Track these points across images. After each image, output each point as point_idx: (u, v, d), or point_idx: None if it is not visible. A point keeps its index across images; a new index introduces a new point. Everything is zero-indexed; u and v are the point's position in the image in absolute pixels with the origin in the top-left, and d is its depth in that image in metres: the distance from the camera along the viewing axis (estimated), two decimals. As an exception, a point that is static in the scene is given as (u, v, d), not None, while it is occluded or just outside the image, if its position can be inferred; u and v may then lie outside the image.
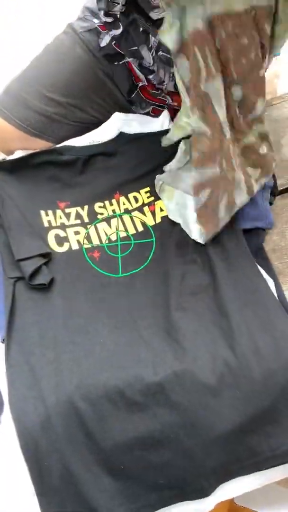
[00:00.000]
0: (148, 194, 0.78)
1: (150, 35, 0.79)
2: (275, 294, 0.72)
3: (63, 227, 0.76)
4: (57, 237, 0.74)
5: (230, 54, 0.64)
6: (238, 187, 0.73)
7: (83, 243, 0.74)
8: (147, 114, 0.94)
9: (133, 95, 0.91)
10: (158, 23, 0.75)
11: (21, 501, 0.62)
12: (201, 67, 0.62)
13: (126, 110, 0.93)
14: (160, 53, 0.81)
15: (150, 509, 0.63)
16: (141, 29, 0.79)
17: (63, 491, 0.60)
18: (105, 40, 0.87)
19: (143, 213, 0.77)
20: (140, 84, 0.89)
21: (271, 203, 0.86)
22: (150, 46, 0.81)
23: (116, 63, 0.88)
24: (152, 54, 0.82)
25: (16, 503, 0.62)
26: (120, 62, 0.88)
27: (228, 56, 0.64)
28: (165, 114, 0.88)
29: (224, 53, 0.63)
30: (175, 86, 0.82)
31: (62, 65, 0.88)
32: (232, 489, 0.64)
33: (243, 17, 0.63)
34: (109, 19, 0.83)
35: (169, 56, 0.79)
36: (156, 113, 0.92)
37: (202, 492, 0.63)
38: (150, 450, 0.61)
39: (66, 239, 0.74)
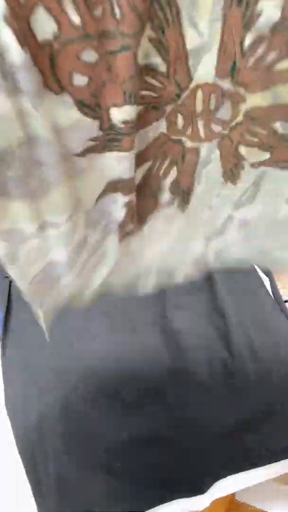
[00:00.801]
0: None
1: None
2: (271, 293, 0.70)
3: None
4: None
5: None
6: (204, 164, 0.49)
7: None
8: None
9: None
10: None
11: (20, 502, 0.64)
12: None
13: None
14: None
15: (146, 507, 0.63)
16: None
17: (60, 491, 0.61)
18: None
19: None
20: None
21: None
22: None
23: None
24: None
25: (15, 505, 0.64)
26: None
27: None
28: None
29: None
30: None
31: None
32: (228, 486, 0.65)
33: None
34: None
35: None
36: None
37: (198, 489, 0.63)
38: (146, 448, 0.62)
39: None
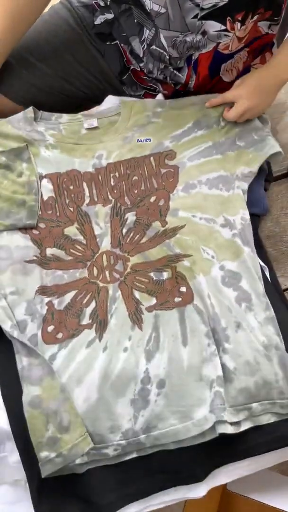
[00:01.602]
0: None
1: (144, 28, 0.79)
2: (269, 280, 0.76)
3: None
4: None
5: (123, 187, 0.82)
6: (113, 301, 0.75)
7: None
8: (139, 97, 0.94)
9: (124, 77, 0.92)
10: (154, 16, 0.75)
11: (14, 489, 0.68)
12: (86, 194, 0.82)
13: (117, 89, 0.92)
14: (153, 47, 0.81)
15: (143, 494, 0.66)
16: (135, 20, 0.79)
17: (55, 476, 0.65)
18: (99, 19, 0.85)
19: None
20: (132, 67, 0.89)
21: (266, 190, 0.83)
22: (143, 38, 0.81)
23: (108, 43, 0.87)
24: (144, 47, 0.82)
25: (10, 491, 0.68)
26: (113, 43, 0.87)
27: (122, 189, 0.82)
28: (159, 97, 0.92)
29: (117, 187, 0.82)
30: (164, 76, 0.85)
31: (54, 35, 0.87)
32: (225, 474, 0.68)
33: (132, 161, 0.83)
34: (102, 3, 0.82)
35: (161, 51, 0.80)
36: (148, 97, 0.93)
37: (195, 477, 0.67)
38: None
39: None
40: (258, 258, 0.78)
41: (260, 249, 0.82)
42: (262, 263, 0.79)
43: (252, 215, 0.82)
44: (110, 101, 0.89)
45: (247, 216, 0.80)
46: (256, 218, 0.84)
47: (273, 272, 0.80)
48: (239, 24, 0.75)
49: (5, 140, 0.85)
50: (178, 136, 0.87)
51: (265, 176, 0.87)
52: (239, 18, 0.74)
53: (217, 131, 0.86)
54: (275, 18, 0.81)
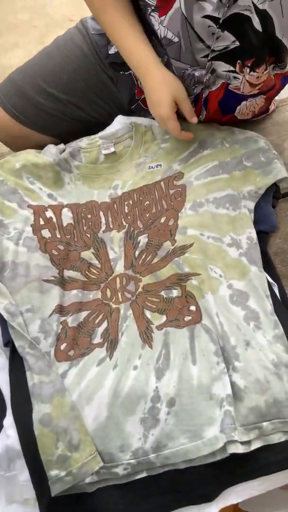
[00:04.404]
0: None
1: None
2: (279, 297, 0.77)
3: None
4: None
5: (136, 212, 0.86)
6: (124, 320, 0.77)
7: None
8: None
9: (133, 106, 0.95)
10: (166, 44, 0.76)
11: (24, 508, 0.67)
12: (102, 222, 0.87)
13: (127, 113, 0.95)
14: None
15: None
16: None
17: (65, 495, 0.64)
18: (114, 48, 0.86)
19: None
20: (142, 96, 0.90)
21: (274, 206, 0.83)
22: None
23: (121, 72, 0.89)
24: None
25: (20, 510, 0.67)
26: (126, 73, 0.89)
27: (135, 214, 0.86)
28: None
29: (131, 213, 0.86)
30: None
31: (67, 61, 0.89)
32: (236, 494, 0.66)
33: (144, 188, 0.88)
34: None
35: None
36: None
37: (205, 497, 0.66)
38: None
39: None
40: (266, 275, 0.78)
41: (269, 266, 0.82)
42: (270, 280, 0.80)
43: (260, 232, 0.83)
44: (120, 121, 0.94)
45: (254, 235, 0.81)
46: (264, 235, 0.85)
47: (282, 289, 0.80)
48: (248, 69, 0.77)
49: (36, 168, 0.91)
50: (185, 158, 0.91)
51: (273, 193, 0.88)
52: (249, 65, 0.77)
53: (221, 150, 0.90)
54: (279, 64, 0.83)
